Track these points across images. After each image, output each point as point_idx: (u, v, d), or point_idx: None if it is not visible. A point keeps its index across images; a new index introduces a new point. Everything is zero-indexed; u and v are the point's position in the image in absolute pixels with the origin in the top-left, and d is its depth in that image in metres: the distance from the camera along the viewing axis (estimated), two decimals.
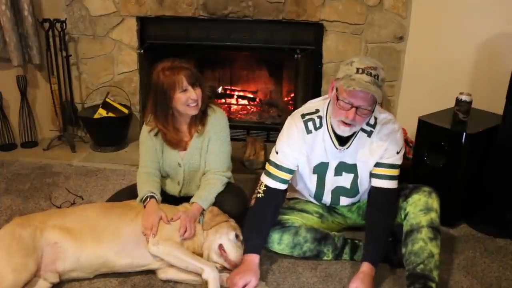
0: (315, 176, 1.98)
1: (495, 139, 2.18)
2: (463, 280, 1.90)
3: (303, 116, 1.91)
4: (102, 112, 3.10)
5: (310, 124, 1.89)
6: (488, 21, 2.55)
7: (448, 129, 2.24)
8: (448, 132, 2.23)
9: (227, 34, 3.12)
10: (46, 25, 2.99)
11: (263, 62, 3.57)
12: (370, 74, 1.66)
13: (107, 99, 3.16)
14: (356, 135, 1.87)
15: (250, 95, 3.69)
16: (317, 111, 1.91)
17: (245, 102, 3.69)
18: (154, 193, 2.00)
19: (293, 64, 3.08)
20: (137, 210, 1.93)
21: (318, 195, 2.04)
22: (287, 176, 1.93)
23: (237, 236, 1.92)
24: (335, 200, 2.05)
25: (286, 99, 3.54)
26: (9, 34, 2.94)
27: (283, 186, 1.94)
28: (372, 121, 1.86)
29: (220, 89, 3.69)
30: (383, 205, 1.87)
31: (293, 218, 2.01)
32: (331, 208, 2.13)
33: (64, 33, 3.10)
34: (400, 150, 1.89)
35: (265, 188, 1.92)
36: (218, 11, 2.99)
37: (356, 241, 2.01)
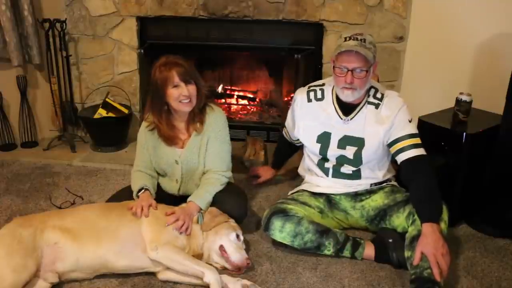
0: (319, 145, 2.07)
1: (495, 139, 2.18)
2: (463, 280, 1.89)
3: (309, 87, 2.11)
4: (102, 112, 3.10)
5: (311, 94, 2.07)
6: (488, 21, 2.55)
7: (448, 129, 2.24)
8: (448, 132, 2.23)
9: (227, 34, 3.12)
10: (46, 25, 2.99)
11: (263, 62, 3.56)
12: (356, 39, 1.84)
13: (107, 99, 3.16)
14: (362, 107, 1.98)
15: (250, 95, 3.69)
16: (323, 84, 2.09)
17: (245, 102, 3.69)
18: (148, 187, 2.03)
19: (293, 64, 3.08)
20: None
21: (323, 154, 2.08)
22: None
23: (237, 236, 1.92)
24: (337, 167, 2.08)
25: (286, 99, 3.53)
26: (9, 34, 2.94)
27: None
28: (379, 95, 1.99)
29: (220, 89, 3.69)
30: (418, 170, 1.89)
31: (296, 209, 2.02)
32: (333, 204, 2.13)
33: (64, 33, 3.10)
34: (412, 120, 1.98)
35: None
36: (218, 11, 2.99)
37: (358, 239, 2.01)
